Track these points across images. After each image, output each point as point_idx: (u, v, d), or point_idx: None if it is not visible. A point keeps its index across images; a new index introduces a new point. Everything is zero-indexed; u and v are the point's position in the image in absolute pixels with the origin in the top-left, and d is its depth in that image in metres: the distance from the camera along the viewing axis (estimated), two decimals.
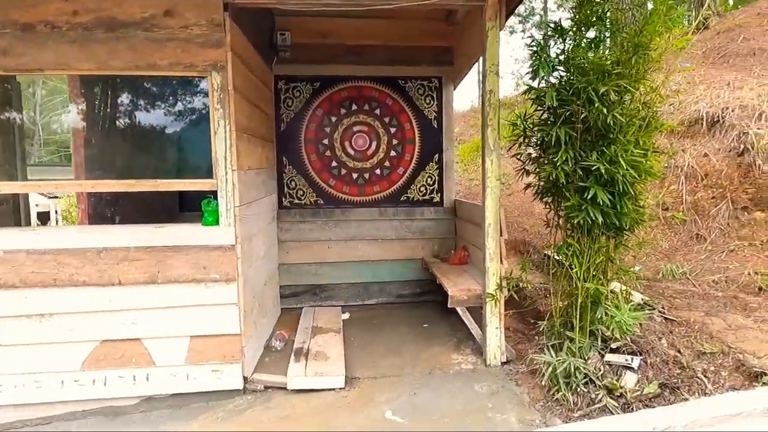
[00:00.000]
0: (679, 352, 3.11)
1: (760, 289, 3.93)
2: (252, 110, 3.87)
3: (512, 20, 20.40)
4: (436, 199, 5.27)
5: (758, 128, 5.06)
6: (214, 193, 3.27)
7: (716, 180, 5.15)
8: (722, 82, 6.32)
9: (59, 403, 3.18)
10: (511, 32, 21.24)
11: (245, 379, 3.37)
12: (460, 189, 8.40)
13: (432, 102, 5.21)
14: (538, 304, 4.35)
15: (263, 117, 4.39)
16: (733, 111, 5.46)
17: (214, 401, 3.27)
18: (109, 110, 4.98)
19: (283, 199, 5.09)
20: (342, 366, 3.51)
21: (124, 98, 5.02)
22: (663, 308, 3.73)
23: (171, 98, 4.78)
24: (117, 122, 5.04)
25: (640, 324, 3.32)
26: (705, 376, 2.88)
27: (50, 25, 3.03)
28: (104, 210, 4.80)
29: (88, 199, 4.64)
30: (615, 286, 3.60)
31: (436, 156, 5.24)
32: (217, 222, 3.27)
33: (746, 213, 4.81)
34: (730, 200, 4.93)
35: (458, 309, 3.84)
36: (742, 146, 5.09)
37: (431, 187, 5.25)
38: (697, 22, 3.65)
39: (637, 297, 3.84)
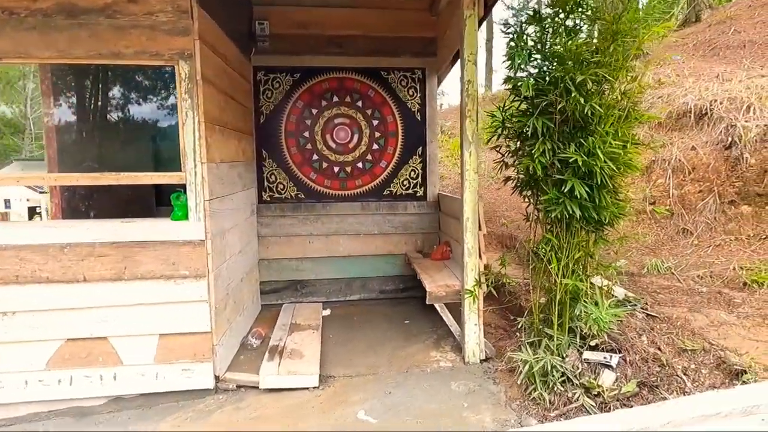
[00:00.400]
0: (659, 349, 3.04)
1: (745, 284, 3.86)
2: (226, 101, 3.75)
3: (505, 14, 20.30)
4: (420, 193, 5.16)
5: (746, 121, 4.99)
6: (184, 187, 3.16)
7: (703, 173, 5.07)
8: (711, 75, 6.25)
9: (23, 404, 3.09)
10: (504, 26, 21.04)
11: (217, 378, 3.28)
12: (449, 183, 8.31)
13: (415, 94, 5.09)
14: (520, 300, 4.27)
15: (240, 109, 4.27)
16: (721, 104, 5.38)
17: (184, 401, 3.18)
18: (85, 102, 4.84)
19: (263, 193, 4.97)
20: (317, 364, 3.42)
21: (100, 90, 4.88)
22: (646, 304, 3.66)
23: (143, 89, 4.64)
24: (92, 115, 4.91)
25: (621, 320, 3.25)
26: (685, 374, 2.81)
27: (8, 11, 2.89)
28: (78, 204, 4.68)
29: (62, 193, 4.52)
30: (597, 281, 3.52)
31: (420, 149, 5.13)
32: (186, 216, 3.17)
33: (733, 207, 4.74)
34: (717, 194, 4.86)
35: (436, 306, 3.76)
36: (729, 139, 5.01)
37: (414, 181, 5.15)
38: (679, 7, 3.54)
39: (620, 292, 3.77)
